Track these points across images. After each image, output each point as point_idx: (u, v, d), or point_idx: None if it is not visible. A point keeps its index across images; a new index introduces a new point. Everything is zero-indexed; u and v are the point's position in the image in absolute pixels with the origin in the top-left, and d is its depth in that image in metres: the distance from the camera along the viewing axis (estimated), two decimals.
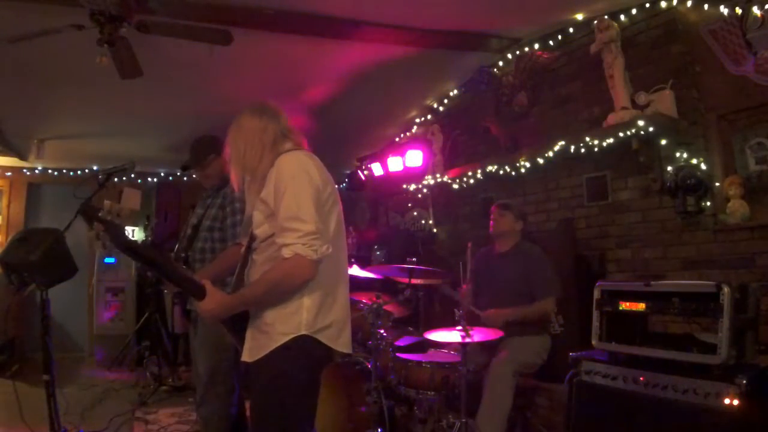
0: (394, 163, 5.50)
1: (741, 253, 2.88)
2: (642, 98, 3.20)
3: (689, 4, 3.15)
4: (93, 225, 1.74)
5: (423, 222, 5.40)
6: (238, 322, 1.71)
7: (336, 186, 1.82)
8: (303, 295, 1.63)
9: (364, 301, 3.06)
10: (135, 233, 6.79)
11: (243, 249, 1.83)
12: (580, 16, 3.77)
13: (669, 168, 3.15)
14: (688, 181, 3.00)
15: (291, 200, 1.60)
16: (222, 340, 2.51)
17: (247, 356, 1.69)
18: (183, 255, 2.70)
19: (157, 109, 4.88)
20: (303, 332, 1.61)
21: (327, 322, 1.65)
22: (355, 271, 3.42)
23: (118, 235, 1.60)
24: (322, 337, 1.64)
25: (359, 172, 6.17)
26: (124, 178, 6.60)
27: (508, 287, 3.17)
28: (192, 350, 2.73)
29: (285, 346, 1.60)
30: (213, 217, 2.67)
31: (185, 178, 6.97)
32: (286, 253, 1.56)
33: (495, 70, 4.54)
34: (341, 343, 1.71)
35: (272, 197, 1.65)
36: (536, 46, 4.14)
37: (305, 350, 1.62)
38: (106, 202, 1.67)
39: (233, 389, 2.58)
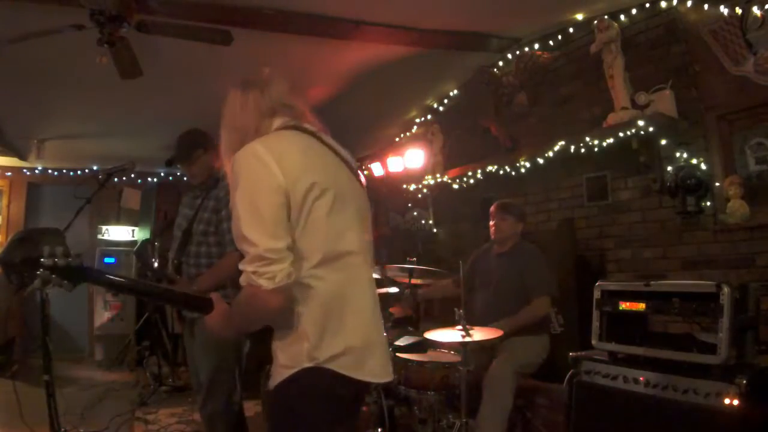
0: (394, 163, 5.50)
1: (741, 253, 2.88)
2: (642, 98, 3.20)
3: (689, 4, 3.15)
4: (36, 276, 1.35)
5: (423, 222, 5.40)
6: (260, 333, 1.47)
7: (346, 165, 1.49)
8: (301, 319, 1.32)
9: None
10: (136, 233, 6.79)
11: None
12: (580, 16, 3.77)
13: (669, 168, 3.15)
14: (688, 181, 3.00)
15: (237, 214, 1.29)
16: (222, 340, 2.50)
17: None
18: (175, 261, 2.61)
19: (157, 109, 4.88)
20: (306, 365, 1.31)
21: (337, 349, 1.31)
22: None
23: (71, 275, 1.32)
24: (336, 367, 1.31)
25: (359, 172, 6.16)
26: (124, 178, 6.61)
27: (504, 286, 3.17)
28: (188, 352, 2.69)
29: (290, 380, 1.33)
30: (207, 221, 2.57)
31: (185, 178, 6.96)
32: (242, 280, 1.28)
33: (495, 70, 4.54)
34: (367, 371, 1.35)
35: None
36: (536, 46, 4.14)
37: (315, 385, 1.32)
38: (45, 248, 1.27)
39: (235, 388, 2.57)
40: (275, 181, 1.28)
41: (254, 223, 1.27)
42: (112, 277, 1.44)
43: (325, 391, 1.32)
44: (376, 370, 1.38)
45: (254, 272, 1.25)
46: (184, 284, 2.52)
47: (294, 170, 1.31)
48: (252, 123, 1.42)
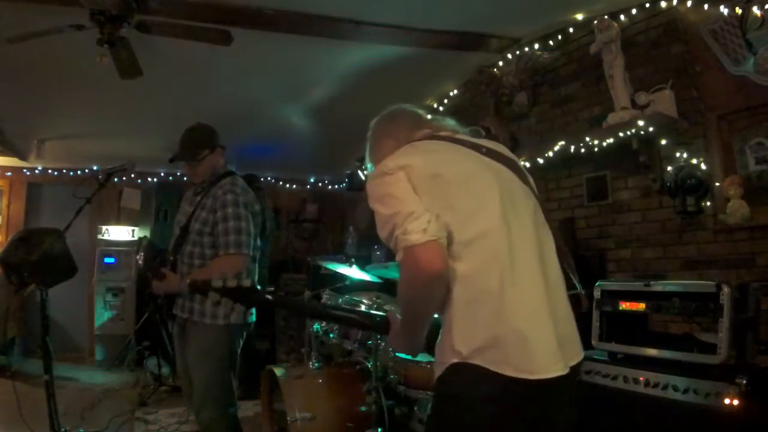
0: None
1: (741, 253, 2.88)
2: (642, 98, 3.20)
3: (689, 4, 3.15)
4: (208, 295, 1.47)
5: None
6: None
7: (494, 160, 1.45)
8: (451, 309, 1.26)
9: (364, 300, 3.06)
10: (136, 233, 6.79)
11: None
12: (580, 16, 3.78)
13: (669, 168, 3.15)
14: (688, 181, 3.01)
15: (377, 212, 1.33)
16: (216, 344, 2.45)
17: None
18: (171, 258, 2.54)
19: (157, 109, 4.88)
20: (452, 361, 1.23)
21: (479, 341, 1.21)
22: (355, 271, 3.42)
23: (248, 299, 1.46)
24: (482, 362, 1.20)
25: (359, 172, 6.17)
26: (124, 178, 6.61)
27: None
28: (178, 352, 2.61)
29: (440, 379, 1.28)
30: (203, 220, 2.49)
31: (185, 178, 6.96)
32: (398, 257, 1.25)
33: (495, 70, 4.54)
34: (520, 366, 1.18)
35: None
36: (536, 46, 4.14)
37: (463, 384, 1.22)
38: (216, 280, 1.45)
39: (231, 390, 2.53)
40: (400, 177, 1.31)
41: (392, 203, 1.28)
42: (288, 300, 1.55)
43: (475, 392, 1.21)
44: (534, 365, 1.20)
45: (403, 232, 1.21)
46: (173, 280, 2.46)
47: (417, 169, 1.32)
48: (390, 142, 1.55)
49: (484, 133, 1.59)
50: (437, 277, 1.21)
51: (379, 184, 1.35)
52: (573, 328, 1.38)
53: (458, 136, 1.51)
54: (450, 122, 1.61)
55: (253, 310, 2.61)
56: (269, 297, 1.55)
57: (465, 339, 1.22)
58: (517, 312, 1.22)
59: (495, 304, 1.22)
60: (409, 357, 2.84)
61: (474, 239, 1.26)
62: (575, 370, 1.32)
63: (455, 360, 1.23)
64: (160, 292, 2.53)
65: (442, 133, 1.54)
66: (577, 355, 1.35)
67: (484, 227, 1.28)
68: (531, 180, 1.52)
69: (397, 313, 1.47)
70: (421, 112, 1.67)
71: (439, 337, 1.31)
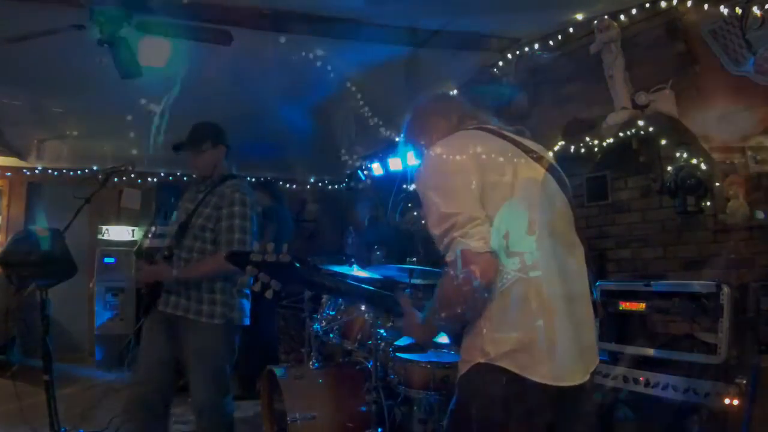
0: (394, 163, 5.50)
1: (741, 253, 2.88)
2: (642, 98, 3.20)
3: (689, 4, 3.14)
4: (245, 269, 1.43)
5: (423, 222, 5.39)
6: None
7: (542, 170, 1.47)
8: (485, 312, 1.28)
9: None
10: (136, 233, 6.79)
11: None
12: (580, 16, 3.77)
13: (669, 168, 3.15)
14: (688, 181, 3.01)
15: (431, 203, 1.32)
16: (214, 344, 2.46)
17: None
18: (166, 252, 2.54)
19: (157, 109, 4.88)
20: (479, 360, 1.27)
21: (511, 345, 1.25)
22: (355, 271, 3.43)
23: (286, 274, 1.42)
24: (510, 365, 1.24)
25: (359, 172, 6.17)
26: (124, 178, 6.60)
27: None
28: (156, 349, 2.54)
29: (465, 378, 1.32)
30: (207, 216, 2.50)
31: (185, 178, 6.96)
32: (450, 257, 1.25)
33: (495, 70, 4.54)
34: (547, 373, 1.24)
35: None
36: (536, 46, 4.14)
37: (488, 383, 1.26)
38: (256, 245, 1.37)
39: (228, 389, 2.54)
40: (459, 166, 1.32)
41: (453, 198, 1.28)
42: (328, 279, 1.57)
43: (500, 392, 1.24)
44: (559, 372, 1.26)
45: (463, 235, 1.22)
46: (164, 269, 2.46)
47: (470, 162, 1.32)
48: (441, 122, 1.53)
49: (528, 133, 1.58)
50: (487, 287, 1.24)
51: (439, 173, 1.34)
52: (593, 338, 1.45)
53: (506, 133, 1.51)
54: (495, 119, 1.61)
55: (248, 312, 2.61)
56: (310, 277, 1.53)
57: (496, 342, 1.26)
58: (548, 321, 1.27)
59: (529, 311, 1.26)
60: (410, 356, 2.85)
61: (519, 242, 1.29)
62: (591, 375, 1.40)
63: (481, 360, 1.27)
64: (148, 279, 2.52)
65: (490, 127, 1.53)
66: (593, 362, 1.43)
67: (523, 234, 1.30)
68: (569, 188, 1.54)
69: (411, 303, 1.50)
70: (466, 101, 1.69)
71: (466, 337, 1.34)
